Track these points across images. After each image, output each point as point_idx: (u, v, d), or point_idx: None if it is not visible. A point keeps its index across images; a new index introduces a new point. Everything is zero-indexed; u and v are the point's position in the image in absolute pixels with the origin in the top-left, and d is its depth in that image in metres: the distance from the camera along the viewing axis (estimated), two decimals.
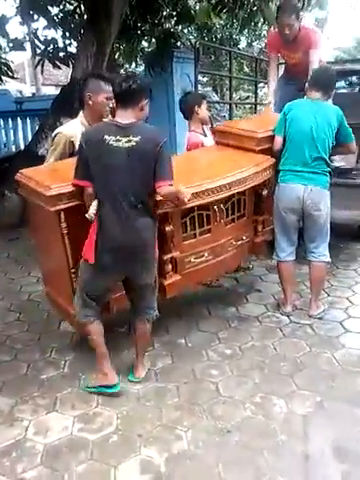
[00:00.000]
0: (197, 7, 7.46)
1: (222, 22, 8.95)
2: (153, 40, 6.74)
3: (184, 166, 2.46)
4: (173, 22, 6.89)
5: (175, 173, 2.43)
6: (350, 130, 3.33)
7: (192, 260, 3.03)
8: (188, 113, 3.82)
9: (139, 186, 2.38)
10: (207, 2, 6.69)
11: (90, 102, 2.93)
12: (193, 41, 9.04)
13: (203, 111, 3.77)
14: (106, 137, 2.31)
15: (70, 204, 2.47)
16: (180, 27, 7.95)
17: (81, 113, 3.02)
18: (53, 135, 2.99)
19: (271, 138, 3.45)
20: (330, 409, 2.51)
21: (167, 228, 2.76)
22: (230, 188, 3.01)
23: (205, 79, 10.88)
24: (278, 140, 3.40)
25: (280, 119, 3.40)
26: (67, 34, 5.96)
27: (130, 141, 2.31)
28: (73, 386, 2.70)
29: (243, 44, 11.82)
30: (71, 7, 5.88)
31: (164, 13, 6.69)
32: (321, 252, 3.40)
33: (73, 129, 2.94)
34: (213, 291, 3.92)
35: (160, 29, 6.49)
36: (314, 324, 3.37)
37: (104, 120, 2.52)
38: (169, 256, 2.88)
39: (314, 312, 3.48)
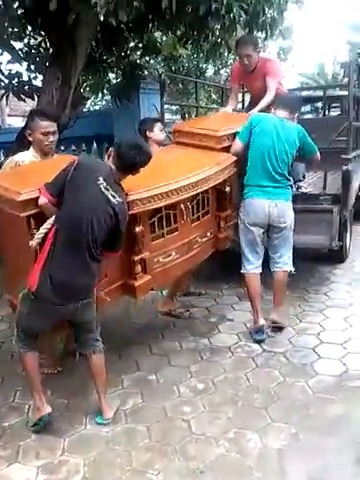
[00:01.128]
0: (163, 39, 7.58)
1: (188, 52, 9.11)
2: (119, 72, 6.78)
3: (147, 166, 2.51)
4: (139, 54, 6.96)
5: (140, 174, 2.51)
6: (312, 144, 3.56)
7: (160, 260, 3.02)
8: (143, 139, 3.87)
9: (102, 237, 2.38)
10: (172, 34, 6.78)
11: (30, 138, 3.02)
12: (160, 72, 9.17)
13: (156, 134, 3.82)
14: (100, 179, 2.35)
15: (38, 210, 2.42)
16: (147, 58, 8.04)
17: (31, 147, 3.07)
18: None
19: (232, 136, 3.58)
20: (305, 441, 2.45)
21: (137, 229, 2.75)
22: (196, 187, 3.08)
23: (174, 107, 11.00)
24: (239, 145, 3.52)
25: (246, 127, 3.52)
26: (32, 67, 5.93)
27: (115, 197, 2.37)
28: (37, 433, 2.57)
29: (210, 72, 12.05)
30: (36, 41, 5.88)
31: (130, 45, 6.76)
32: (285, 261, 3.56)
33: (23, 156, 3.02)
34: (184, 323, 3.85)
35: (126, 61, 6.53)
36: (287, 352, 3.33)
37: (108, 164, 2.48)
38: (139, 257, 2.86)
39: (277, 319, 3.58)
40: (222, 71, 11.76)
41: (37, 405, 2.56)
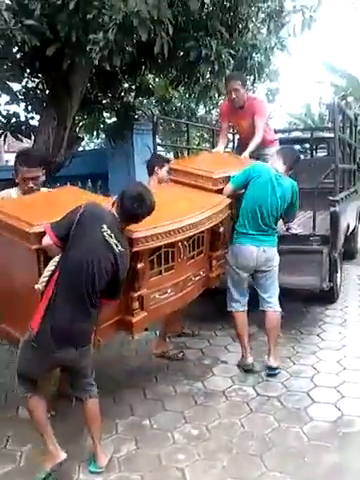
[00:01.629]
0: (156, 81, 7.81)
1: (180, 94, 9.37)
2: (114, 112, 6.95)
3: None
4: (133, 95, 7.15)
5: None
6: (298, 202, 3.74)
7: (156, 296, 3.04)
8: (150, 171, 4.05)
9: (103, 285, 2.41)
10: (164, 77, 7.00)
11: (17, 180, 3.09)
12: (153, 112, 9.39)
13: (163, 173, 3.96)
14: (104, 226, 2.38)
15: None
16: (140, 99, 8.25)
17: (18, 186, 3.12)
18: None
19: (226, 179, 3.70)
20: None
21: (138, 265, 2.77)
22: (196, 227, 3.15)
23: (167, 146, 11.22)
24: (230, 189, 3.64)
25: (243, 174, 3.63)
26: (29, 108, 6.07)
27: (117, 246, 2.40)
28: None
29: (201, 112, 12.39)
30: (33, 84, 6.03)
31: (124, 87, 6.96)
32: (275, 302, 3.69)
33: (8, 193, 3.11)
34: (178, 365, 3.83)
35: (120, 102, 6.71)
36: (281, 396, 3.32)
37: (112, 212, 2.50)
38: (138, 294, 2.88)
39: (273, 363, 3.61)
40: (213, 111, 12.08)
41: (50, 451, 2.50)
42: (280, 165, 3.62)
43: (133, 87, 7.00)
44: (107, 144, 6.96)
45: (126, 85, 6.97)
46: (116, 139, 6.58)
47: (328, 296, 4.92)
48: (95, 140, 9.76)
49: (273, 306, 3.66)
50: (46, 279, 2.37)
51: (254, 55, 6.23)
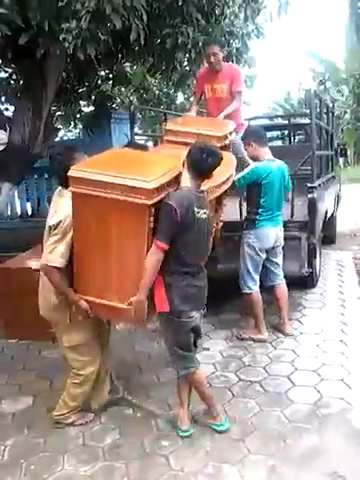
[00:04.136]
0: (133, 69, 7.73)
1: (158, 82, 9.31)
2: (90, 102, 6.87)
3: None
4: (110, 84, 7.07)
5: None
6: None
7: None
8: None
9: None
10: (142, 65, 6.93)
11: None
12: (131, 101, 9.31)
13: None
14: (195, 209, 2.56)
15: (158, 198, 2.48)
16: (117, 88, 8.17)
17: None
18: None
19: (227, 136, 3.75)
20: (283, 473, 2.47)
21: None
22: (223, 185, 3.17)
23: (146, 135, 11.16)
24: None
25: (249, 179, 3.86)
26: (3, 99, 5.97)
27: (205, 213, 2.66)
28: (14, 476, 2.52)
29: (181, 99, 12.33)
30: (6, 74, 5.92)
31: (101, 76, 6.87)
32: (282, 275, 4.15)
33: None
34: (161, 354, 3.82)
35: (97, 91, 6.64)
36: (263, 381, 3.37)
37: (185, 186, 2.62)
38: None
39: (289, 330, 4.09)
40: (192, 98, 12.04)
41: (213, 415, 2.86)
42: (267, 150, 3.94)
43: (110, 76, 6.93)
44: (84, 134, 6.89)
45: (103, 74, 6.89)
46: (93, 129, 6.51)
47: (308, 281, 5.00)
48: (73, 130, 9.64)
49: (282, 278, 4.13)
50: None
51: (231, 42, 6.20)
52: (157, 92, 10.14)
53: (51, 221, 2.68)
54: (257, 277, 4.00)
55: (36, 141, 5.58)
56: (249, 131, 4.17)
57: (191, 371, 2.78)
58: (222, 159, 2.65)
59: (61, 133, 8.87)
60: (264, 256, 3.99)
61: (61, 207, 2.69)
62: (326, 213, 5.58)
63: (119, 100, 10.07)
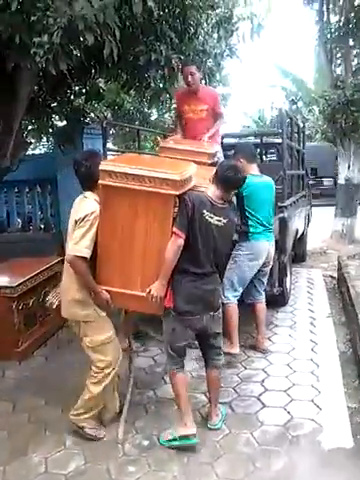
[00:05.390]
0: (107, 86, 7.71)
1: (132, 98, 9.34)
2: (63, 116, 6.79)
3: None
4: (83, 99, 7.03)
5: None
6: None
7: None
8: None
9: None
10: (115, 82, 6.91)
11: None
12: (105, 116, 9.28)
13: None
14: (205, 211, 2.76)
15: (182, 190, 2.72)
16: (90, 103, 8.13)
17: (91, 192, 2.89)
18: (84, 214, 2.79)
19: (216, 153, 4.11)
20: None
21: None
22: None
23: (119, 150, 11.13)
24: None
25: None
26: None
27: (220, 221, 2.81)
28: None
29: (155, 116, 12.36)
30: None
31: (74, 90, 6.82)
32: (264, 294, 4.19)
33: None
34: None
35: (69, 106, 6.57)
36: (232, 402, 3.33)
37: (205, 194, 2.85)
38: None
39: (265, 347, 4.13)
40: (166, 115, 12.11)
41: (185, 422, 2.82)
42: (254, 167, 3.96)
43: (83, 91, 6.89)
44: (56, 149, 6.81)
45: (76, 89, 6.84)
46: (65, 143, 6.43)
47: (278, 300, 4.99)
48: (45, 144, 9.54)
49: (263, 297, 4.18)
50: None
51: (205, 60, 6.27)
52: (131, 108, 10.17)
53: (77, 215, 2.80)
54: (240, 291, 3.99)
55: (6, 155, 5.48)
56: (239, 147, 4.17)
57: (175, 371, 2.90)
58: (245, 178, 3.05)
59: (32, 147, 8.78)
60: (255, 271, 3.99)
61: (85, 206, 2.83)
62: (297, 232, 5.64)
63: (93, 115, 10.05)
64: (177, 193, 2.66)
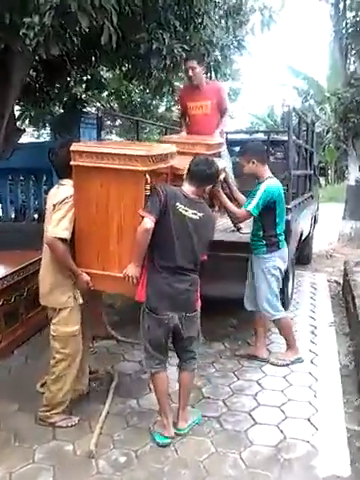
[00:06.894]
0: (109, 74, 7.47)
1: (138, 89, 9.07)
2: (61, 104, 6.54)
3: None
4: (84, 87, 6.78)
5: None
6: None
7: None
8: None
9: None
10: (119, 70, 6.65)
11: None
12: (112, 107, 9.02)
13: None
14: (178, 203, 2.69)
15: (153, 167, 2.71)
16: (95, 92, 7.88)
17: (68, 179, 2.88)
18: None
19: (220, 144, 4.11)
20: None
21: None
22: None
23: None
24: (246, 214, 3.57)
25: (263, 201, 3.52)
26: None
27: (195, 214, 2.73)
28: None
29: (162, 108, 12.08)
30: None
31: (74, 78, 6.57)
32: None
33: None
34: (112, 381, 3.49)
35: (68, 94, 6.32)
36: (221, 417, 3.05)
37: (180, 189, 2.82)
38: None
39: (263, 356, 3.88)
40: (174, 108, 11.81)
41: (163, 423, 2.80)
42: (266, 167, 3.66)
43: (84, 79, 6.64)
44: (52, 137, 6.58)
45: (77, 76, 6.58)
46: (62, 132, 6.20)
47: None
48: (48, 133, 9.28)
49: None
50: None
51: (211, 52, 5.98)
52: (138, 99, 9.88)
53: (55, 199, 2.81)
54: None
55: None
56: (250, 147, 3.79)
57: (152, 371, 2.83)
58: (218, 172, 2.97)
59: (28, 136, 8.55)
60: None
61: (62, 191, 2.84)
62: (301, 234, 5.34)
63: (99, 105, 9.80)
64: (146, 169, 2.64)
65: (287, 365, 3.75)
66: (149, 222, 2.59)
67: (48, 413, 2.91)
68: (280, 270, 3.72)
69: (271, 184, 3.59)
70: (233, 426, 2.95)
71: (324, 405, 3.18)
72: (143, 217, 2.61)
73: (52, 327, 2.90)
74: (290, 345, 3.87)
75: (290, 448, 2.73)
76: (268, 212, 3.59)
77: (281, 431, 2.89)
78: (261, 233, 3.67)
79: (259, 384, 3.48)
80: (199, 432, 2.88)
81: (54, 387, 2.89)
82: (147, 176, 2.67)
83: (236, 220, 3.76)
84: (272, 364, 3.77)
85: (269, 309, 3.71)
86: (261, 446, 2.76)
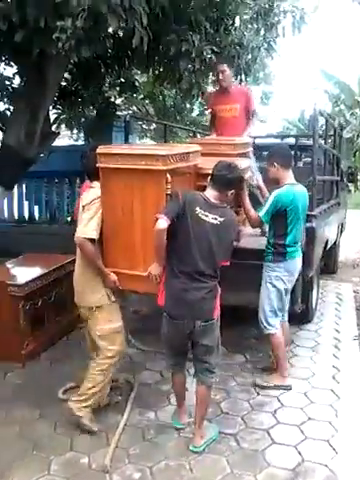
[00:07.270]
0: (143, 78, 7.45)
1: (169, 93, 9.06)
2: (94, 108, 6.57)
3: None
4: (117, 91, 6.80)
5: None
6: None
7: None
8: None
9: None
10: (152, 73, 6.64)
11: None
12: (147, 110, 9.01)
13: None
14: (197, 208, 2.71)
15: (173, 166, 2.80)
16: (129, 96, 7.91)
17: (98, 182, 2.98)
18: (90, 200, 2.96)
19: (247, 144, 4.22)
20: None
21: None
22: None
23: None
24: (258, 219, 3.50)
25: (273, 208, 3.46)
26: (5, 99, 5.74)
27: (216, 219, 2.73)
28: None
29: (196, 112, 11.98)
30: (7, 73, 5.68)
31: (108, 81, 6.59)
32: (286, 311, 3.83)
33: None
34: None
35: (101, 97, 6.34)
36: (238, 434, 3.02)
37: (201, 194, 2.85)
38: None
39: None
40: (206, 112, 11.72)
41: (180, 413, 3.08)
42: (289, 173, 3.58)
43: (118, 82, 6.66)
44: (85, 141, 6.62)
45: (111, 80, 6.60)
46: (94, 136, 6.23)
47: (302, 316, 4.59)
48: (81, 135, 9.34)
49: (286, 316, 3.83)
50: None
51: (241, 54, 5.90)
52: (172, 103, 9.81)
53: (84, 201, 2.96)
54: (281, 314, 3.68)
55: (32, 145, 5.31)
56: (274, 150, 3.70)
57: (171, 371, 3.01)
58: (241, 177, 3.00)
59: (65, 139, 8.59)
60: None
61: (92, 193, 2.96)
62: (327, 243, 5.22)
63: (135, 108, 9.81)
64: (166, 168, 2.70)
65: (271, 388, 3.58)
66: (163, 222, 2.60)
67: (81, 404, 2.97)
68: (283, 281, 3.57)
69: (283, 191, 3.49)
70: (250, 445, 2.91)
71: (345, 426, 3.12)
72: (157, 218, 2.63)
73: (97, 327, 2.99)
74: (278, 367, 3.69)
75: (308, 472, 2.67)
76: (278, 220, 3.51)
77: (299, 453, 2.84)
78: (272, 240, 3.59)
79: (279, 400, 3.43)
80: (215, 450, 2.86)
81: (99, 378, 2.98)
82: (168, 175, 2.73)
83: (250, 224, 3.66)
84: (256, 385, 3.61)
85: (262, 320, 3.60)
86: (278, 469, 2.70)
